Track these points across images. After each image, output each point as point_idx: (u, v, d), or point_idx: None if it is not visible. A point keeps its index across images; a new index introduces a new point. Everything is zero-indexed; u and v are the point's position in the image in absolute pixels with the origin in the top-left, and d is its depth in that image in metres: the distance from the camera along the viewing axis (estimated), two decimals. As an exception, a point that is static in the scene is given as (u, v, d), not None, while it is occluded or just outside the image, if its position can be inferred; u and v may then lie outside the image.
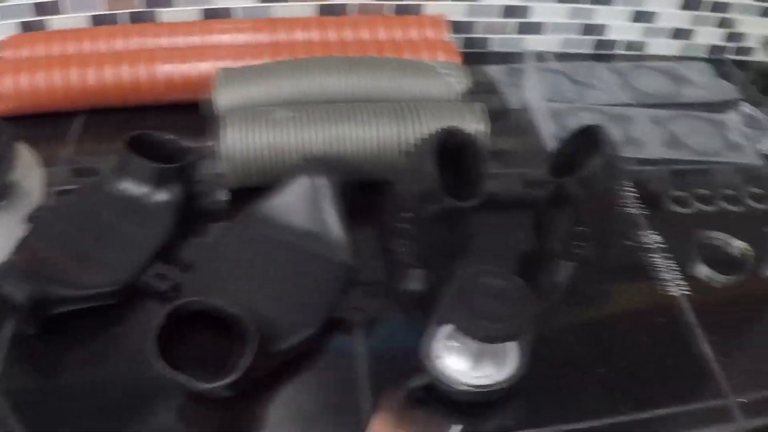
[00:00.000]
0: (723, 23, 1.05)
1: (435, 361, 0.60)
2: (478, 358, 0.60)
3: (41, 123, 0.81)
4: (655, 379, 0.65)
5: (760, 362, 0.69)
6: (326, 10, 0.95)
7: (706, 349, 0.69)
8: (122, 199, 0.68)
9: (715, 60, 1.09)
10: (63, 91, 0.80)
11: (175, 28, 0.89)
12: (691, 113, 0.97)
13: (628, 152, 0.89)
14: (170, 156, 0.70)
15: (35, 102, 0.80)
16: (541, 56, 1.03)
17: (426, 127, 0.74)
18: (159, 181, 0.69)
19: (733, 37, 1.07)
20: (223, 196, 0.76)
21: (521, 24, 1.00)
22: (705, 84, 1.02)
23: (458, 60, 0.88)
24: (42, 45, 0.84)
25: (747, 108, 0.97)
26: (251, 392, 0.57)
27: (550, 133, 0.87)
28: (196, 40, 0.89)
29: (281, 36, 0.90)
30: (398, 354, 0.64)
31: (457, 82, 0.81)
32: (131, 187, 0.69)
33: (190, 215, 0.71)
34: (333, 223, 0.68)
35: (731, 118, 0.97)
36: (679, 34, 1.05)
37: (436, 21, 0.93)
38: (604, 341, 0.69)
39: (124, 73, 0.82)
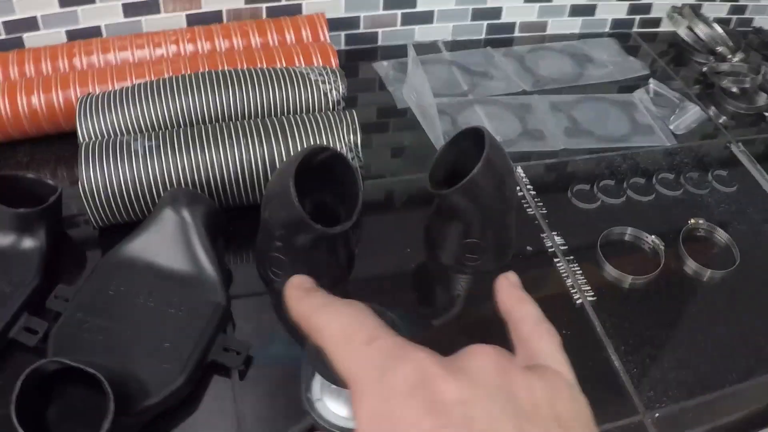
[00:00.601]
0: (625, -6, 0.99)
1: (315, 404, 0.54)
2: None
3: None
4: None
5: (670, 371, 0.63)
6: (197, 19, 0.87)
7: (615, 361, 0.63)
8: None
9: (622, 35, 1.03)
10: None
11: (38, 53, 0.81)
12: (597, 96, 0.90)
13: (527, 146, 0.82)
14: (35, 196, 0.65)
15: None
16: (433, 47, 0.96)
17: (296, 143, 0.68)
18: (21, 226, 0.63)
19: (637, 9, 1.00)
20: (91, 234, 0.70)
21: (407, 14, 0.93)
22: (611, 62, 0.96)
23: (335, 62, 0.81)
24: None
25: (655, 85, 0.91)
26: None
27: (439, 132, 0.80)
28: (61, 65, 0.80)
29: (148, 52, 0.82)
30: (280, 395, 0.58)
31: (333, 88, 0.74)
32: (-7, 237, 0.63)
33: (59, 259, 0.66)
34: (202, 258, 0.62)
35: (640, 97, 0.90)
36: (579, 10, 0.98)
37: (312, 21, 0.86)
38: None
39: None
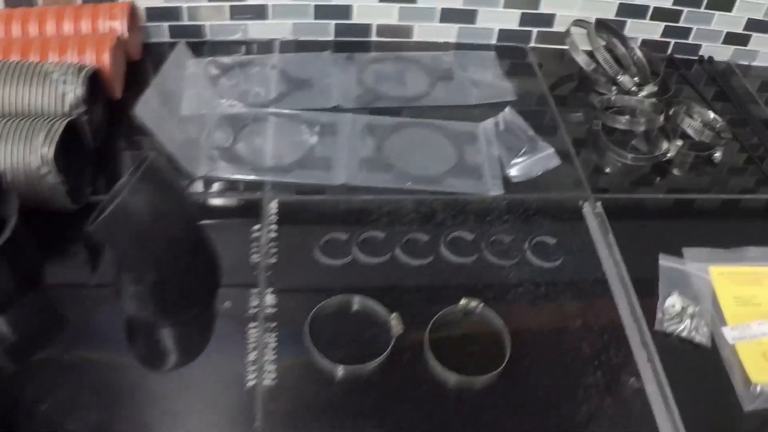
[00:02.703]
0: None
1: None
2: None
3: None
4: None
5: None
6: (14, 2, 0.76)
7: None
8: None
9: (515, 49, 0.82)
10: None
11: None
12: (430, 122, 0.71)
13: (303, 175, 0.65)
14: None
15: None
16: (268, 46, 0.80)
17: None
18: None
19: (534, 20, 0.80)
20: None
21: (236, 7, 0.77)
22: (480, 82, 0.76)
23: (108, 55, 0.68)
24: None
25: (510, 115, 0.70)
26: None
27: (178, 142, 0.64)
28: None
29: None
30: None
31: (71, 90, 0.62)
32: None
33: None
34: None
35: (487, 129, 0.70)
36: (453, 15, 0.79)
37: (115, 9, 0.73)
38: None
39: None
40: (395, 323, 0.54)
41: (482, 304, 0.55)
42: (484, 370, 0.52)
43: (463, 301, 0.56)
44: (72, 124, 0.60)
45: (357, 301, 0.56)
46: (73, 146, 0.61)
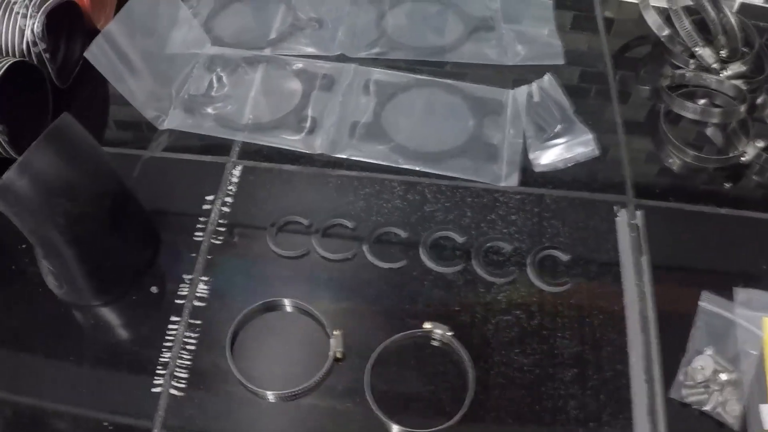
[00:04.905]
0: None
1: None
2: None
3: None
4: None
5: None
6: None
7: None
8: None
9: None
10: None
11: None
12: (449, 83, 0.58)
13: (279, 139, 0.55)
14: None
15: None
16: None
17: None
18: None
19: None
20: None
21: None
22: (524, 37, 0.62)
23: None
24: None
25: (548, 84, 0.56)
26: None
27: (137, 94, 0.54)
28: None
29: None
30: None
31: (30, 24, 0.55)
32: None
33: None
34: None
35: (517, 98, 0.57)
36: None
37: None
38: None
39: None
40: (335, 343, 0.44)
41: (451, 334, 0.44)
42: (434, 420, 0.41)
43: (427, 326, 0.44)
44: (20, 65, 0.51)
45: (293, 309, 0.46)
46: (28, 89, 0.53)
